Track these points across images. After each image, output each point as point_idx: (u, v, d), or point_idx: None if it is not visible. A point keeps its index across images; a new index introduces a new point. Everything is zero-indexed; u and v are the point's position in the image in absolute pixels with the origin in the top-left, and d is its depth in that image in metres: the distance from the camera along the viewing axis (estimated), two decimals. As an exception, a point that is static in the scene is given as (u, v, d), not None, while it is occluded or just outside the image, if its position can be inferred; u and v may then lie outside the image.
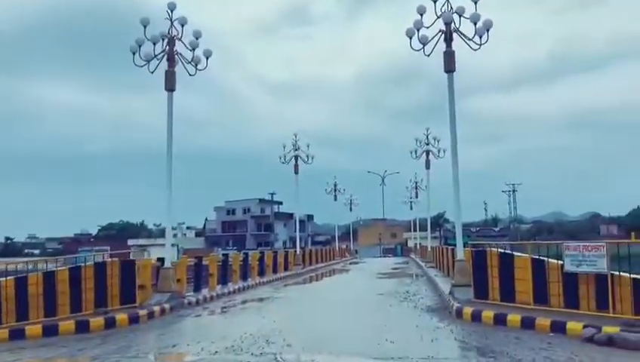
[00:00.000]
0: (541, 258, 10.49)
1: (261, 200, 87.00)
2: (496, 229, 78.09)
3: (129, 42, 14.03)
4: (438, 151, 28.12)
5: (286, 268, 26.99)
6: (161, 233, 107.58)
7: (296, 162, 29.37)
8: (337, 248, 47.92)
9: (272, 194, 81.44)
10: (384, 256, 62.06)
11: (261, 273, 22.99)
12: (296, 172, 29.41)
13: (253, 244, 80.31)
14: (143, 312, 12.03)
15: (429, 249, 27.43)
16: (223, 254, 19.38)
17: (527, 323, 9.47)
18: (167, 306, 12.99)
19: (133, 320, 11.54)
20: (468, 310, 10.75)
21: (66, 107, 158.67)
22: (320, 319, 11.43)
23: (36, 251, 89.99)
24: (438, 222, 72.52)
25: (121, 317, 11.39)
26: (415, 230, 51.89)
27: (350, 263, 41.02)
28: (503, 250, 11.23)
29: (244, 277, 21.02)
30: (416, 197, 46.65)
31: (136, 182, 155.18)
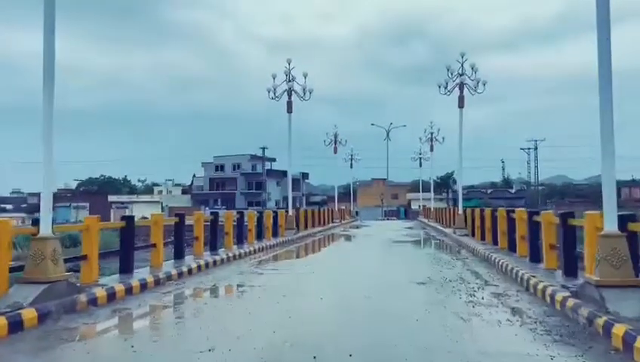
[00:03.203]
0: None
1: (253, 157, 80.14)
2: (512, 191, 71.46)
3: None
4: (477, 84, 21.36)
5: (275, 234, 20.84)
6: (147, 189, 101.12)
7: (289, 97, 22.78)
8: (337, 209, 41.70)
9: (264, 148, 74.52)
10: (387, 219, 56.03)
11: (239, 241, 16.90)
12: (289, 110, 22.84)
13: (244, 204, 74.03)
14: (-40, 332, 5.77)
15: (460, 212, 21.24)
16: (177, 214, 13.06)
17: None
18: (30, 312, 6.71)
19: None
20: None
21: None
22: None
23: (9, 206, 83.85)
24: (447, 183, 66.19)
25: None
26: (425, 190, 45.58)
27: (352, 227, 35.01)
28: None
29: (214, 247, 14.90)
30: (431, 150, 40.10)
31: (122, 136, 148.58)
